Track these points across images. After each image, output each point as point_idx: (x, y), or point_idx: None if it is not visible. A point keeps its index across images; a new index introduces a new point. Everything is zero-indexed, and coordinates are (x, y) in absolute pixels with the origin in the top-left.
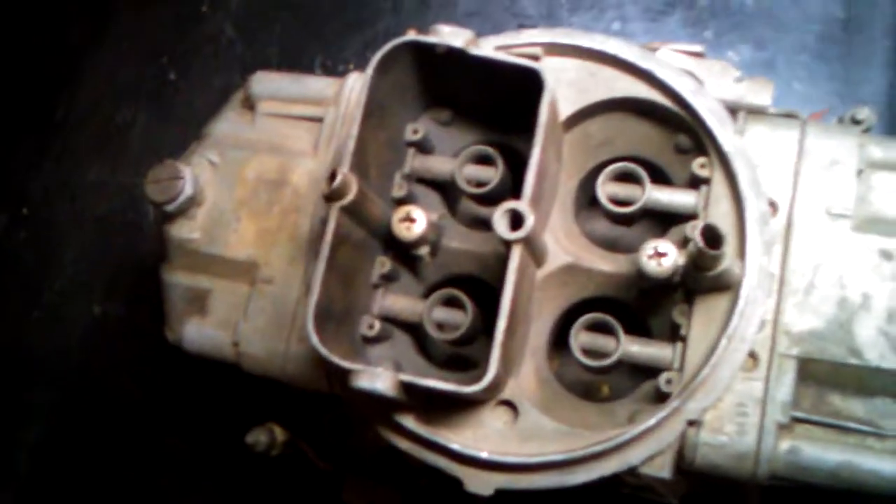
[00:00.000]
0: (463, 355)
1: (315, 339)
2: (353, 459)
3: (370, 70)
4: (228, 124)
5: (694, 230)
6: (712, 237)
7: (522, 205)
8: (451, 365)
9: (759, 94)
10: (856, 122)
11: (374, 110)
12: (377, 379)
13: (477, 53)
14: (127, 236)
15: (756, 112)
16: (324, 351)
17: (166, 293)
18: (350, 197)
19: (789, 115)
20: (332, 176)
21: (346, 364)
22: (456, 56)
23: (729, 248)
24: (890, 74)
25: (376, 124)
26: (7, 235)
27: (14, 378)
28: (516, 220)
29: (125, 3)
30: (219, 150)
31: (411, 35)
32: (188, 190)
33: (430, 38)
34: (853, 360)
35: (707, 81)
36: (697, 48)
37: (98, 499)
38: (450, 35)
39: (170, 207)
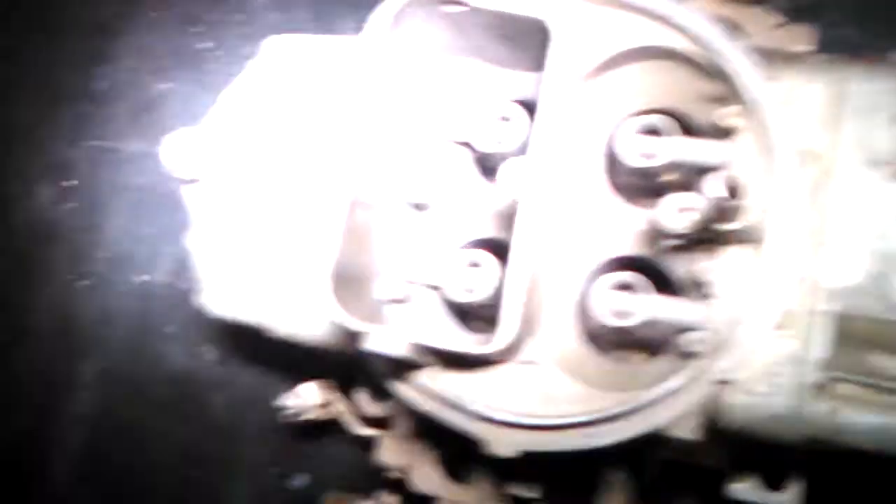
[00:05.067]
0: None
1: (331, 300)
2: (388, 420)
3: (381, 24)
4: (246, 89)
5: (716, 181)
6: (733, 187)
7: (529, 159)
8: (482, 323)
9: (801, 40)
10: None
11: (389, 66)
12: (389, 341)
13: (481, 6)
14: (167, 205)
15: (793, 57)
16: (339, 312)
17: (192, 259)
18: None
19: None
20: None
21: (358, 326)
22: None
23: (753, 199)
24: None
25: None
26: (52, 206)
27: (62, 347)
28: (525, 174)
29: None
30: (234, 114)
31: None
32: (202, 155)
33: None
34: (894, 317)
35: (745, 28)
36: None
37: (146, 464)
38: None
39: (187, 173)
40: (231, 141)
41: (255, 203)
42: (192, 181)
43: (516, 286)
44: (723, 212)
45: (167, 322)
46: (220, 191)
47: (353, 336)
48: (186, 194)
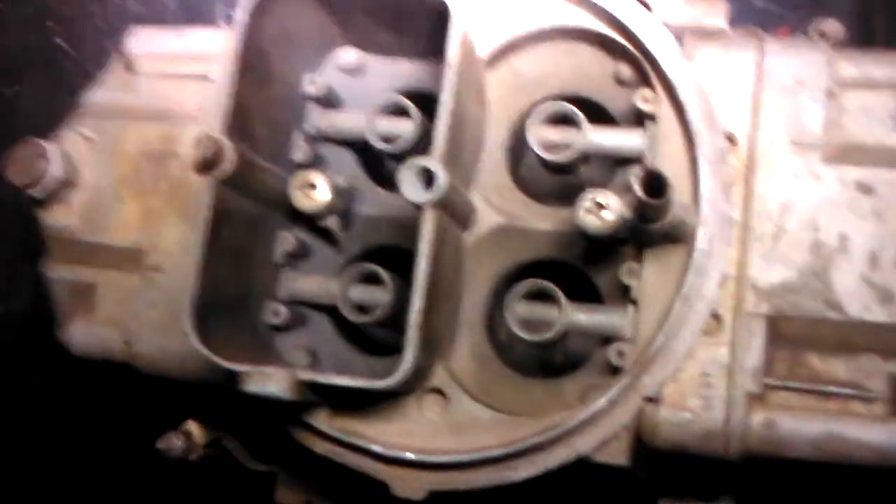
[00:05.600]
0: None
1: (194, 338)
2: (286, 456)
3: (244, 14)
4: (105, 92)
5: (634, 177)
6: (654, 184)
7: (433, 160)
8: (382, 347)
9: (713, 14)
10: (822, 36)
11: (256, 61)
12: (269, 381)
13: None
14: (26, 225)
15: (708, 34)
16: (205, 351)
17: (50, 290)
18: (228, 166)
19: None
20: (201, 142)
21: (231, 366)
22: None
23: (676, 195)
24: None
25: (260, 77)
26: None
27: None
28: (428, 179)
29: None
30: (94, 122)
31: None
32: (56, 171)
33: None
34: (832, 315)
35: (654, 4)
36: None
37: None
38: None
39: (36, 191)
40: (91, 152)
41: (117, 223)
42: (44, 200)
43: (418, 305)
44: (644, 209)
45: (26, 360)
46: (79, 208)
47: (229, 375)
48: (39, 215)
